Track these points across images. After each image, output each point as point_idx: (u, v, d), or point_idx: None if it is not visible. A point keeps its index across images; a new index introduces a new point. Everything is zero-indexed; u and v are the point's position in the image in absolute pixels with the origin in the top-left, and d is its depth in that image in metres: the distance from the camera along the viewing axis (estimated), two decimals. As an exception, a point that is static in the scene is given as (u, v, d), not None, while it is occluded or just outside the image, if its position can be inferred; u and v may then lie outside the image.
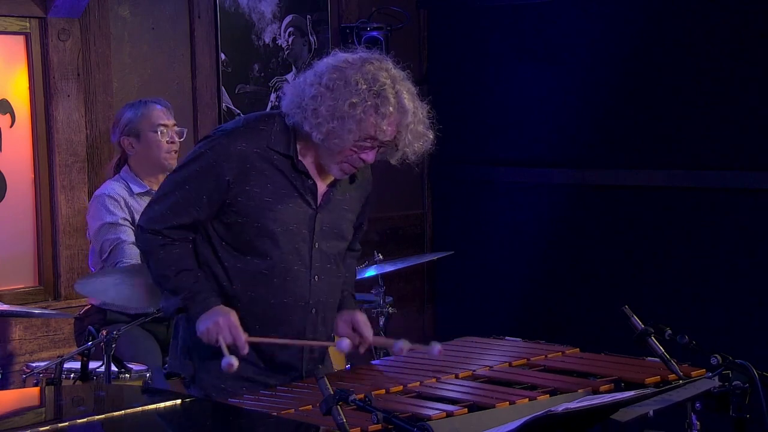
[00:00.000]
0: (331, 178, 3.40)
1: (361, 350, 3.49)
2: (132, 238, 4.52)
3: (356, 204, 3.51)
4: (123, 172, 4.71)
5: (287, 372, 3.40)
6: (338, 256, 3.47)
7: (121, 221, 4.56)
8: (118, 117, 4.78)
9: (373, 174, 3.57)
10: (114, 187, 4.66)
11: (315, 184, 3.37)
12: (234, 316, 3.28)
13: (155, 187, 4.65)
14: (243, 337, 3.26)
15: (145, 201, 4.60)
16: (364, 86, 3.20)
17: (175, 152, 4.73)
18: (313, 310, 3.38)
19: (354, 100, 3.19)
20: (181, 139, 4.77)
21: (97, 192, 4.69)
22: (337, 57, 3.30)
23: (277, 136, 3.32)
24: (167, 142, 4.71)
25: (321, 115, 3.21)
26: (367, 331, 3.46)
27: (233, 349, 3.23)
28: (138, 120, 4.69)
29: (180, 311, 3.35)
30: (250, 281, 3.34)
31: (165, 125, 4.72)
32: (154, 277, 3.39)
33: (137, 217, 4.56)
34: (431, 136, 3.33)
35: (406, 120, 3.25)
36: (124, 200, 4.61)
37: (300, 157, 3.34)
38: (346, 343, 3.38)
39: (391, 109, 3.21)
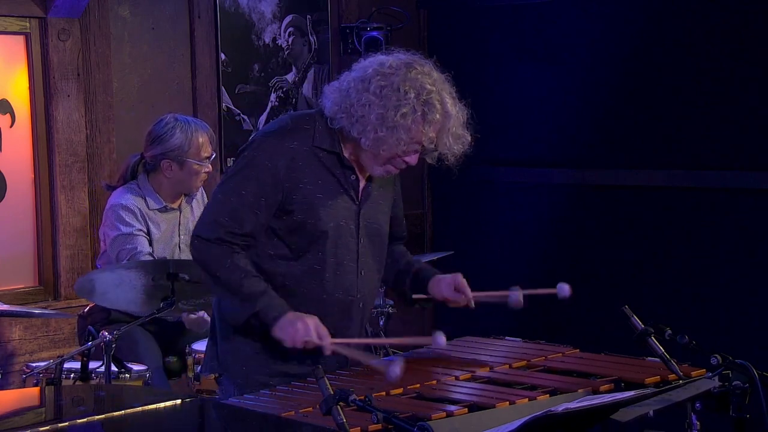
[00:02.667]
0: (368, 173, 3.45)
1: (471, 304, 3.52)
2: (148, 248, 4.52)
3: (389, 196, 3.56)
4: (141, 184, 4.66)
5: (331, 362, 3.38)
6: (380, 250, 3.52)
7: (136, 232, 4.54)
8: (160, 135, 4.64)
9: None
10: (129, 198, 4.61)
11: (358, 180, 3.42)
12: (317, 319, 3.30)
13: (170, 204, 4.65)
14: (329, 339, 3.29)
15: (160, 216, 4.60)
16: (413, 94, 3.25)
17: (205, 180, 4.74)
18: (361, 303, 3.44)
19: (404, 110, 3.23)
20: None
21: (113, 201, 4.63)
22: (380, 61, 3.32)
23: (321, 135, 3.36)
24: (205, 171, 4.69)
25: (370, 122, 3.25)
26: (469, 290, 3.51)
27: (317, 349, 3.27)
28: (187, 149, 4.61)
29: (253, 316, 3.31)
30: (302, 279, 3.36)
31: (209, 157, 4.70)
32: (220, 284, 3.35)
33: (153, 228, 4.58)
34: (468, 138, 3.40)
35: (449, 124, 3.32)
36: (140, 211, 4.58)
37: (345, 154, 3.38)
38: (442, 339, 3.36)
39: (438, 116, 3.28)
